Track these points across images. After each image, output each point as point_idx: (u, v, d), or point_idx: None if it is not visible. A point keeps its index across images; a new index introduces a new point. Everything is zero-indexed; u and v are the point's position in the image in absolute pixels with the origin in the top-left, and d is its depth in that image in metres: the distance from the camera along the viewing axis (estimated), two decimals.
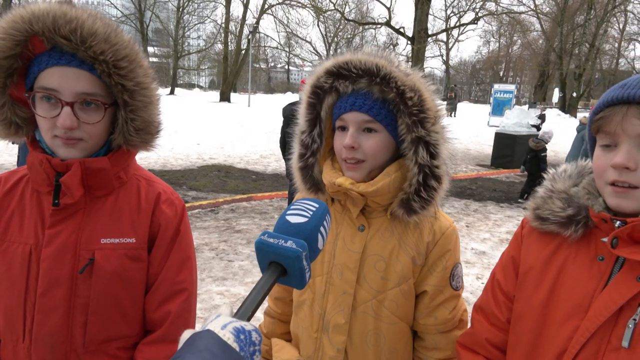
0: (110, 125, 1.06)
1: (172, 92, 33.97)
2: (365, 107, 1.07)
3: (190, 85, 54.23)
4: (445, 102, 30.47)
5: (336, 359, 1.17)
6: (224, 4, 32.62)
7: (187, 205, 6.28)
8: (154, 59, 46.58)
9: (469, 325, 1.16)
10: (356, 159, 1.10)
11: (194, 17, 39.35)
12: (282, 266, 0.65)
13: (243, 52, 33.37)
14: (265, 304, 1.33)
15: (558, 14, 31.87)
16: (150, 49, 40.36)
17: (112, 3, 36.28)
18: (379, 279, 1.14)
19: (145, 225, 1.10)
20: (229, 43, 34.52)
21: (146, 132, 1.08)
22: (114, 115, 1.06)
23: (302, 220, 0.70)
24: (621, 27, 42.17)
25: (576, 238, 0.92)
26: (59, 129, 0.98)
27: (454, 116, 26.68)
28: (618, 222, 0.83)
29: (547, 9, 34.30)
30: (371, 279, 1.14)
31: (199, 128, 14.19)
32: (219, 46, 38.81)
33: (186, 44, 43.75)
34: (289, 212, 0.73)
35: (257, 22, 32.71)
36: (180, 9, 35.15)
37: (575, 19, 31.96)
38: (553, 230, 0.95)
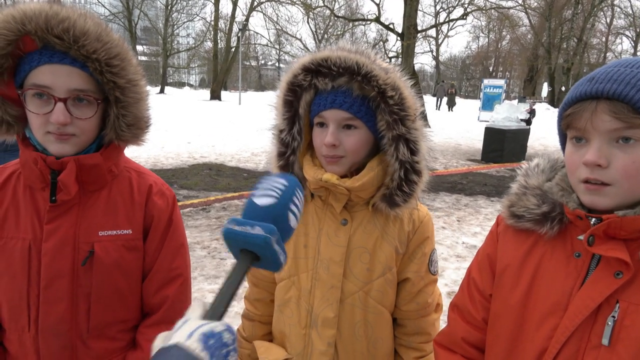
0: (100, 121, 1.09)
1: (162, 91, 33.71)
2: (345, 105, 1.08)
3: (180, 84, 53.86)
4: (437, 97, 30.77)
5: (327, 354, 1.18)
6: (213, 1, 32.42)
7: (178, 204, 6.25)
8: (143, 58, 46.23)
9: (444, 308, 1.18)
10: (337, 155, 1.11)
11: (182, 15, 39.07)
12: (253, 252, 0.64)
13: (233, 49, 33.20)
14: (242, 305, 1.34)
15: (546, 8, 32.08)
16: (139, 48, 39.99)
17: (99, 1, 35.92)
18: (365, 270, 1.17)
19: (139, 217, 1.16)
20: (219, 41, 34.32)
21: (137, 127, 1.12)
22: (104, 111, 1.09)
23: (270, 201, 0.67)
24: (608, 21, 42.57)
25: (552, 235, 0.90)
26: (52, 125, 1.01)
27: (452, 110, 27.28)
28: (594, 219, 0.82)
29: (535, 3, 34.51)
30: (357, 271, 1.17)
31: (189, 127, 14.10)
32: (209, 44, 38.61)
33: (175, 42, 43.51)
34: (256, 193, 0.69)
35: (247, 20, 32.54)
36: (169, 7, 34.88)
37: (563, 13, 32.17)
38: (529, 228, 0.94)
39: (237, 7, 32.62)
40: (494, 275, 1.01)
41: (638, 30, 40.36)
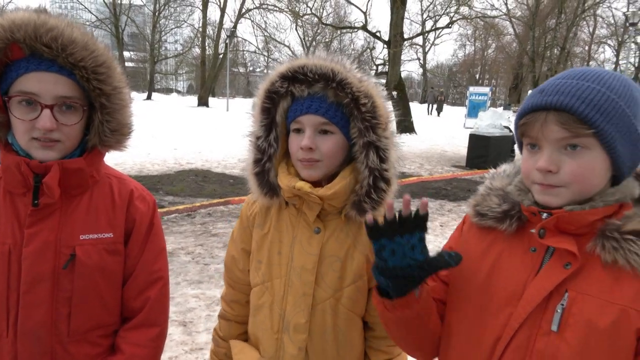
0: (84, 127, 1.12)
1: (149, 97, 33.48)
2: (321, 110, 1.11)
3: (168, 90, 53.58)
4: (428, 103, 31.10)
5: (298, 357, 1.21)
6: (201, 8, 32.43)
7: (163, 210, 6.23)
8: (130, 64, 45.96)
9: None
10: (313, 159, 1.13)
11: (170, 21, 38.86)
12: None
13: (221, 56, 33.20)
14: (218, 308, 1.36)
15: (530, 18, 32.65)
16: (126, 54, 39.71)
17: (86, 7, 35.70)
18: (336, 278, 1.19)
19: (121, 221, 1.18)
20: (207, 47, 34.31)
21: (120, 133, 1.16)
22: (87, 118, 1.12)
23: None
24: (591, 30, 43.45)
25: (511, 232, 0.96)
26: (37, 131, 1.03)
27: (439, 116, 28.57)
28: (545, 214, 0.88)
29: (519, 13, 35.11)
30: (329, 279, 1.19)
31: (176, 133, 14.05)
32: (197, 50, 38.47)
33: (163, 48, 43.27)
34: None
35: (235, 27, 32.61)
36: (157, 13, 34.71)
37: (547, 22, 32.78)
38: (490, 225, 1.00)
39: (225, 14, 32.71)
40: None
41: (619, 40, 41.26)
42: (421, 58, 49.24)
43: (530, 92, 0.90)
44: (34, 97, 1.02)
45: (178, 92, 53.14)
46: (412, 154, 12.76)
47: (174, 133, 14.03)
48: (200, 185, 7.97)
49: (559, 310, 0.85)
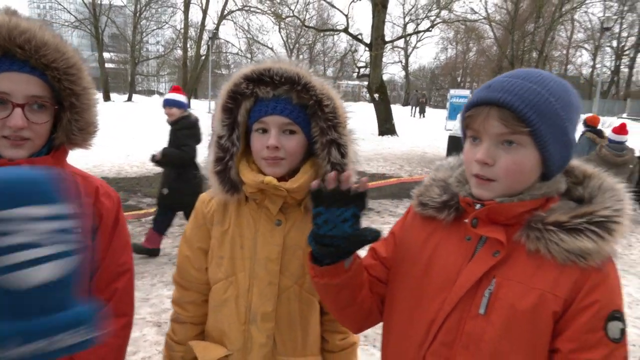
0: (52, 126, 1.15)
1: (129, 99, 33.08)
2: (286, 111, 1.19)
3: (149, 92, 52.98)
4: (411, 105, 31.37)
5: (266, 345, 1.26)
6: (183, 9, 32.21)
7: (141, 212, 6.18)
8: (111, 65, 45.30)
9: None
10: (278, 157, 1.20)
11: (151, 22, 38.51)
12: None
13: (203, 58, 33.00)
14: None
15: (509, 22, 33.22)
16: (106, 55, 39.14)
17: (64, 8, 35.13)
18: (299, 266, 1.27)
19: (88, 217, 1.21)
20: (189, 49, 34.07)
21: (87, 132, 1.20)
22: (55, 116, 1.15)
23: None
24: (569, 34, 44.40)
25: (449, 221, 1.02)
26: (8, 129, 1.06)
27: (424, 117, 29.67)
28: (478, 205, 0.94)
29: (499, 17, 35.70)
30: (293, 268, 1.27)
31: (156, 135, 13.88)
32: (179, 52, 38.16)
33: (144, 49, 42.82)
34: None
35: (217, 28, 32.43)
36: (138, 14, 34.40)
37: (525, 27, 33.39)
38: (431, 215, 1.05)
39: (207, 16, 32.56)
40: (394, 246, 1.12)
41: (596, 44, 42.25)
42: (403, 61, 49.70)
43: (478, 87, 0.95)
44: (5, 96, 1.05)
45: (160, 93, 52.53)
46: (393, 156, 12.87)
47: (154, 135, 13.87)
48: None
49: (486, 295, 0.91)
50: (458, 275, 0.95)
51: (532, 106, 0.85)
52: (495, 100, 0.86)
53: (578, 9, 37.84)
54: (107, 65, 36.69)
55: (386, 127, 16.84)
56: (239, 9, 31.83)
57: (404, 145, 15.03)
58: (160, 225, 4.77)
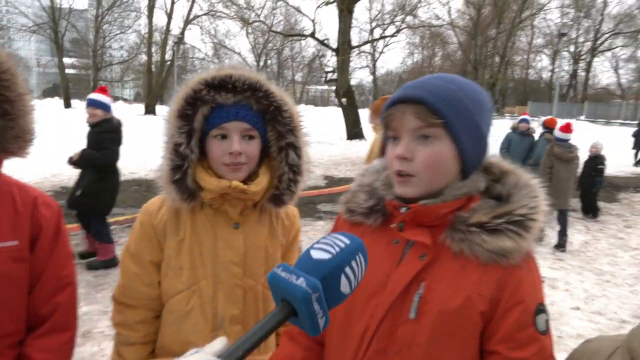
0: None
1: None
2: (247, 117, 1.21)
3: (114, 98, 51.77)
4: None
5: None
6: (147, 14, 31.62)
7: None
8: (72, 71, 44.03)
9: None
10: (240, 163, 1.21)
11: (114, 26, 37.65)
12: (292, 306, 0.58)
13: (169, 63, 32.47)
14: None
15: (472, 27, 34.16)
16: (67, 60, 37.99)
17: (22, 12, 33.89)
18: (260, 265, 1.30)
19: (26, 228, 1.16)
20: (154, 54, 33.44)
21: (22, 140, 1.15)
22: None
23: (324, 256, 0.62)
24: (529, 40, 46.03)
25: (377, 225, 1.02)
26: None
27: None
28: (403, 209, 0.94)
29: (462, 22, 36.66)
30: (255, 268, 1.29)
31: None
32: (143, 57, 37.39)
33: (107, 54, 41.81)
34: (315, 245, 0.66)
35: (182, 33, 32.03)
36: (99, 19, 33.56)
37: (488, 32, 34.39)
38: (359, 221, 1.04)
39: (172, 20, 32.10)
40: None
41: (555, 49, 43.91)
42: (371, 66, 50.30)
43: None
44: None
45: (124, 99, 51.40)
46: (360, 160, 12.95)
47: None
48: (144, 195, 7.74)
49: (415, 299, 0.90)
50: (387, 280, 0.94)
51: (444, 99, 0.89)
52: (410, 97, 0.90)
53: (537, 15, 39.33)
54: (67, 70, 35.67)
55: (354, 131, 16.98)
56: (204, 14, 31.57)
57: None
58: (104, 235, 4.66)
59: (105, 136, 4.41)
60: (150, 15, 31.16)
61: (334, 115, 18.61)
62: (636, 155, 13.76)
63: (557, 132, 6.29)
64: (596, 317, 4.02)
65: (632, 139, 13.74)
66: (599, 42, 43.32)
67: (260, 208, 1.31)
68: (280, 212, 1.37)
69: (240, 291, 1.27)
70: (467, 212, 0.92)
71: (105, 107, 4.46)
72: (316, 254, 0.63)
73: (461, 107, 0.90)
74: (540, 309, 0.90)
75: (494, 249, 0.87)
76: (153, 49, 33.24)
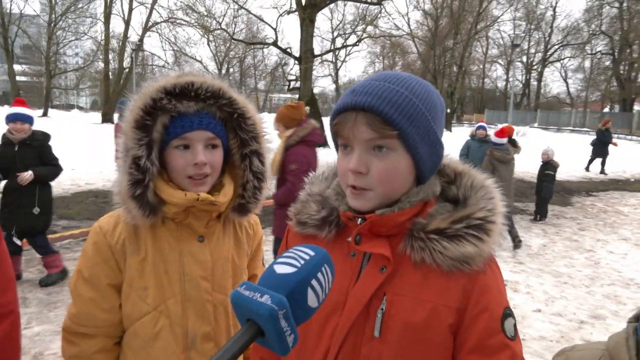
0: None
1: (45, 114, 30.83)
2: (211, 126, 1.17)
3: (69, 106, 49.87)
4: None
5: None
6: (103, 20, 30.71)
7: (56, 235, 5.70)
8: (23, 78, 42.10)
9: None
10: (205, 174, 1.17)
11: (69, 33, 36.30)
12: (258, 325, 0.55)
13: (127, 70, 31.60)
14: None
15: (431, 38, 35.10)
16: (17, 67, 36.32)
17: None
18: (228, 278, 1.27)
19: None
20: (111, 61, 32.46)
21: None
22: None
23: (289, 270, 0.60)
24: (484, 50, 47.76)
25: (331, 238, 0.95)
26: None
27: None
28: (360, 220, 0.88)
29: (421, 33, 37.64)
30: (223, 281, 1.26)
31: (74, 152, 13.03)
32: (100, 64, 36.18)
33: (62, 61, 40.17)
34: (279, 260, 0.63)
35: (141, 40, 31.29)
36: (52, 24, 32.29)
37: (446, 42, 35.41)
38: (312, 233, 0.98)
39: (130, 27, 31.28)
40: None
41: (508, 59, 45.74)
42: (333, 74, 50.75)
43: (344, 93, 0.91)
44: None
45: (80, 108, 49.62)
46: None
47: (71, 152, 13.00)
48: (101, 207, 7.43)
49: (379, 315, 0.86)
50: (347, 296, 0.88)
51: (397, 108, 0.82)
52: (360, 105, 0.83)
53: (491, 27, 40.89)
54: (18, 78, 34.06)
55: None
56: (164, 21, 30.96)
57: (335, 157, 15.19)
58: (48, 247, 4.51)
59: (49, 148, 4.35)
60: (106, 22, 30.24)
61: None
62: (590, 162, 14.29)
63: (493, 137, 6.62)
64: (557, 319, 4.13)
65: (590, 148, 14.23)
66: (549, 53, 45.49)
67: (223, 219, 1.28)
68: (244, 221, 1.35)
69: (210, 307, 1.22)
70: (424, 217, 0.88)
71: (32, 120, 4.30)
72: (280, 269, 0.60)
73: (415, 114, 0.83)
74: (507, 312, 0.87)
75: (455, 256, 0.84)
76: (110, 56, 32.29)
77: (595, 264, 5.79)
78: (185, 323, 1.20)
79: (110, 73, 31.84)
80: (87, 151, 13.37)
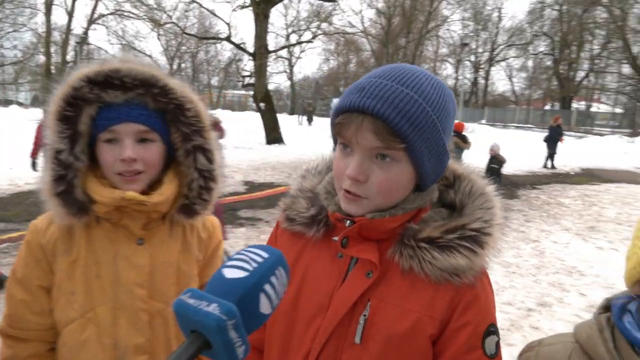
0: None
1: None
2: (142, 118, 1.07)
3: (7, 102, 46.82)
4: (299, 114, 32.06)
5: None
6: (44, 11, 29.04)
7: None
8: None
9: None
10: (136, 171, 1.07)
11: (6, 24, 34.08)
12: (204, 337, 0.50)
13: (70, 64, 30.04)
14: None
15: (384, 36, 35.67)
16: None
17: None
18: (171, 285, 1.15)
19: None
20: (53, 55, 30.77)
21: None
22: None
23: (239, 274, 0.54)
24: (435, 49, 49.09)
25: (319, 237, 0.92)
26: None
27: (311, 125, 30.68)
28: (348, 222, 0.84)
29: (374, 31, 38.17)
30: (164, 289, 1.14)
31: (11, 150, 12.23)
32: (42, 58, 34.18)
33: None
34: (228, 262, 0.57)
35: (86, 33, 29.87)
36: None
37: (398, 41, 36.10)
38: (300, 231, 0.94)
39: (74, 19, 29.77)
40: None
41: (458, 58, 47.25)
42: (288, 71, 50.53)
43: (349, 87, 0.84)
44: None
45: (20, 104, 46.74)
46: (281, 165, 12.90)
47: (9, 151, 12.20)
48: (42, 208, 6.99)
49: (361, 322, 0.82)
50: (331, 299, 0.85)
51: (408, 119, 0.75)
52: (370, 110, 0.76)
53: (441, 27, 42.05)
54: None
55: (273, 135, 16.87)
56: (110, 13, 29.65)
57: (291, 154, 15.14)
58: None
59: None
60: (47, 13, 28.66)
61: (252, 120, 18.38)
62: (549, 158, 14.77)
63: None
64: (506, 308, 4.28)
65: (544, 144, 14.70)
66: (495, 52, 47.37)
67: (170, 220, 1.17)
68: (196, 224, 1.23)
69: (145, 316, 1.12)
70: (417, 223, 0.84)
71: None
72: (230, 273, 0.55)
73: (426, 126, 0.77)
74: (491, 330, 0.84)
75: (445, 267, 0.80)
76: (52, 49, 30.62)
77: (541, 253, 6.06)
78: (115, 333, 1.10)
79: (52, 67, 30.17)
80: (26, 149, 12.59)
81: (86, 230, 1.12)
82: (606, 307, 0.85)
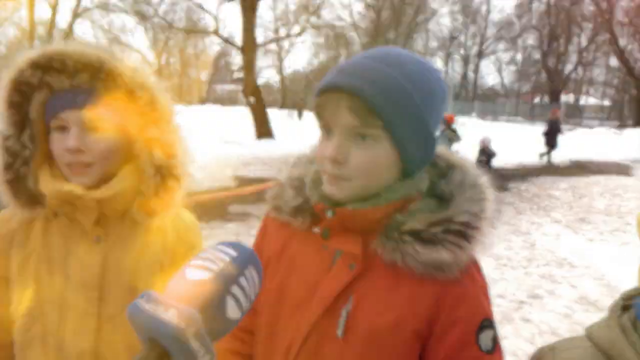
0: None
1: None
2: (89, 105, 0.98)
3: None
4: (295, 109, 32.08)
5: None
6: (27, 5, 28.52)
7: None
8: None
9: None
10: (84, 162, 0.99)
11: None
12: (162, 346, 0.45)
13: None
14: None
15: (373, 30, 35.59)
16: None
17: None
18: (126, 289, 1.06)
19: None
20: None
21: None
22: None
23: (203, 276, 0.48)
24: (425, 43, 49.11)
25: (305, 228, 0.89)
26: None
27: (301, 119, 30.59)
28: (329, 212, 0.81)
29: (364, 24, 38.10)
30: (117, 292, 1.05)
31: None
32: None
33: None
34: (192, 262, 0.51)
35: (71, 27, 29.40)
36: None
37: (387, 34, 36.02)
38: (287, 221, 0.91)
39: (59, 13, 29.27)
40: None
41: (447, 52, 47.37)
42: (278, 65, 50.25)
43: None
44: None
45: None
46: (271, 159, 12.83)
47: None
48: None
49: (343, 315, 0.80)
50: (315, 291, 0.83)
51: (386, 94, 0.73)
52: (346, 87, 0.74)
53: (430, 20, 42.09)
54: None
55: (263, 130, 16.78)
56: (95, 7, 29.20)
57: (281, 148, 15.06)
58: None
59: None
60: (31, 7, 28.14)
61: (242, 115, 18.28)
62: (549, 151, 14.77)
63: None
64: (498, 300, 4.26)
65: (543, 138, 14.67)
66: (484, 46, 47.53)
67: (130, 219, 1.07)
68: (165, 224, 1.12)
69: (92, 321, 1.03)
70: (404, 214, 0.80)
71: None
72: (192, 274, 0.50)
73: (406, 104, 0.74)
74: (485, 324, 0.80)
75: (428, 261, 0.76)
76: (37, 44, 30.11)
77: (531, 245, 6.07)
78: (61, 335, 1.03)
79: None
80: None
81: (44, 223, 1.06)
82: (624, 307, 0.79)
